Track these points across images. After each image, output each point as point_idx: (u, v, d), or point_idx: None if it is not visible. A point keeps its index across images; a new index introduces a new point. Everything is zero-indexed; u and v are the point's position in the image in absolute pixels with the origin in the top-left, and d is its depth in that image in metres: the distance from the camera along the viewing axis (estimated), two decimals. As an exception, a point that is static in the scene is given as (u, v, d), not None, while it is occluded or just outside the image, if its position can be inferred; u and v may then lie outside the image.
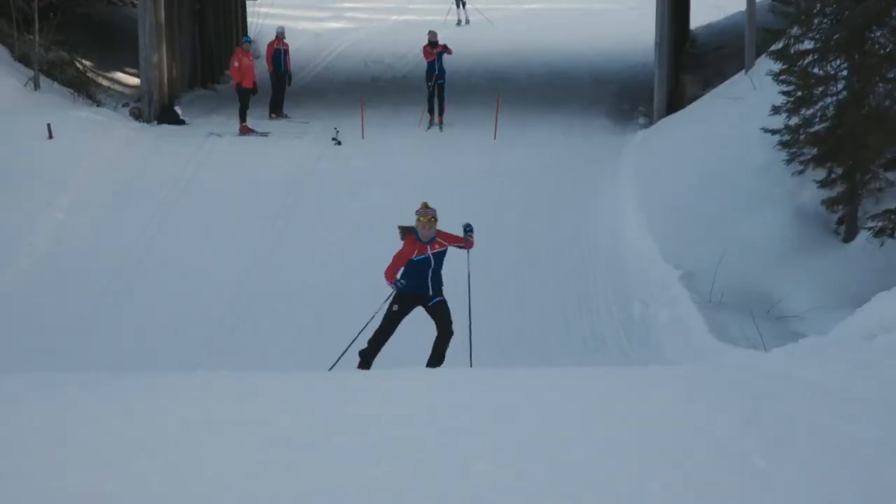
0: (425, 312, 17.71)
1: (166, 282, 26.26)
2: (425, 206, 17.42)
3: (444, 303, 17.50)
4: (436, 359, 17.24)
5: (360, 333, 17.74)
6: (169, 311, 24.16)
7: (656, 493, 6.61)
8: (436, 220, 17.33)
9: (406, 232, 17.73)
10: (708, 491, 6.70)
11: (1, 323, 24.39)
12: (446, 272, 17.78)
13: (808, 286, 25.04)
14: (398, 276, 17.38)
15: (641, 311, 24.22)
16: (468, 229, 18.16)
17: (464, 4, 56.40)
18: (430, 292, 17.40)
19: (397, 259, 17.35)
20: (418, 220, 17.31)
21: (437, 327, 17.38)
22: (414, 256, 17.28)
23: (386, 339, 17.34)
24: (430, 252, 17.28)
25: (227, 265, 25.40)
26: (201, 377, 11.07)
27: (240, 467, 7.17)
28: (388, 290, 17.42)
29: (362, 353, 17.41)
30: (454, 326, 17.67)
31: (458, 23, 54.64)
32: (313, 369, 15.07)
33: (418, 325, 18.02)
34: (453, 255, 17.82)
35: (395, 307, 17.28)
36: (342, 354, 17.98)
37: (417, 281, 17.34)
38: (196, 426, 8.05)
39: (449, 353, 17.44)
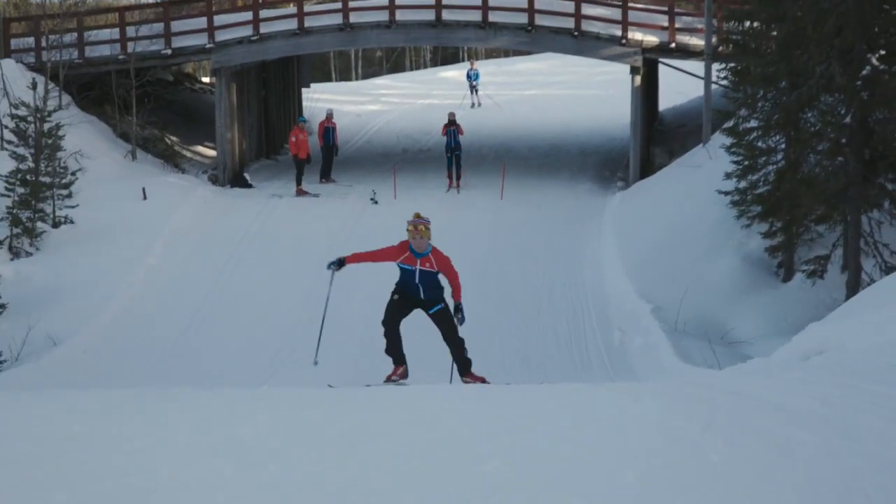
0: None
1: (237, 315, 26.43)
2: (417, 215, 14.25)
3: (444, 311, 14.41)
4: (462, 365, 14.62)
5: (323, 321, 16.45)
6: (239, 340, 24.36)
7: (631, 482, 6.60)
8: (426, 229, 14.13)
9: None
10: (672, 481, 6.67)
11: (108, 347, 24.72)
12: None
13: (754, 317, 25.09)
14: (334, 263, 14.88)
15: (620, 338, 24.32)
16: (459, 316, 14.76)
17: (476, 91, 56.25)
18: (423, 297, 14.34)
19: (381, 251, 14.58)
20: (408, 229, 14.21)
21: (443, 337, 14.60)
22: (400, 262, 14.26)
23: (395, 328, 14.17)
24: (417, 267, 14.11)
25: (285, 301, 25.49)
26: (265, 392, 11.02)
27: (294, 465, 7.14)
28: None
29: (387, 352, 14.57)
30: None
31: (472, 105, 54.83)
32: (355, 386, 14.84)
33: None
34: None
35: (396, 296, 14.31)
36: (318, 343, 16.52)
37: (408, 287, 14.38)
38: (260, 432, 8.05)
39: (439, 365, 15.70)
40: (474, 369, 14.75)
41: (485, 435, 7.98)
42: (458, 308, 14.61)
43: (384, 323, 14.32)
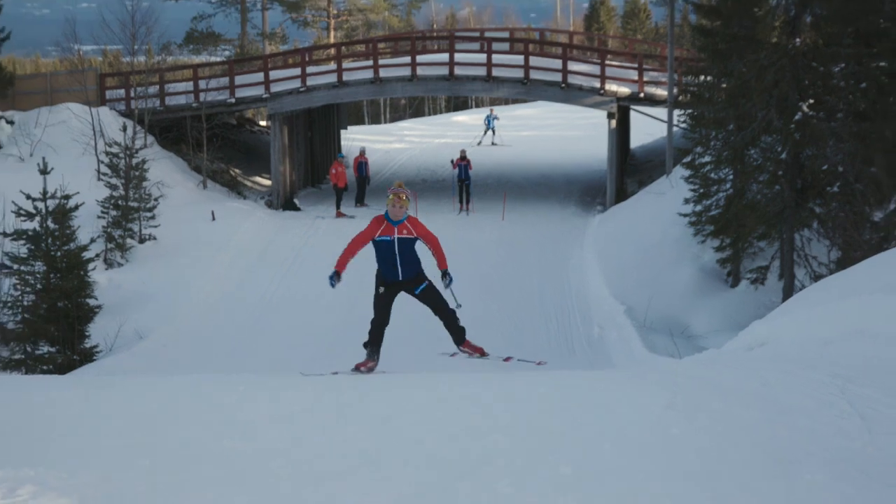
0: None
1: (288, 317, 26.49)
2: (399, 185, 11.92)
3: (430, 287, 11.98)
4: (457, 334, 12.21)
5: None
6: (290, 337, 24.30)
7: (609, 450, 6.58)
8: (407, 200, 11.81)
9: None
10: (642, 450, 6.66)
11: (183, 340, 24.81)
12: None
13: (708, 316, 25.12)
14: (348, 262, 12.23)
15: (598, 333, 24.35)
16: (447, 280, 12.37)
17: (494, 131, 55.71)
18: (401, 277, 11.81)
19: (354, 240, 11.96)
20: (388, 198, 11.80)
21: (435, 313, 12.16)
22: (377, 236, 11.71)
23: (382, 324, 11.94)
24: (395, 235, 11.63)
25: (329, 305, 25.39)
26: (312, 379, 11.00)
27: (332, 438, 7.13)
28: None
29: (366, 345, 12.10)
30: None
31: (479, 143, 54.73)
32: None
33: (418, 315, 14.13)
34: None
35: (381, 290, 11.89)
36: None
37: (387, 266, 11.86)
38: (310, 408, 8.05)
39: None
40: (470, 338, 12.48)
41: (488, 414, 7.98)
42: (445, 273, 12.21)
43: (375, 321, 11.93)
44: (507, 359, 11.63)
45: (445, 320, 12.07)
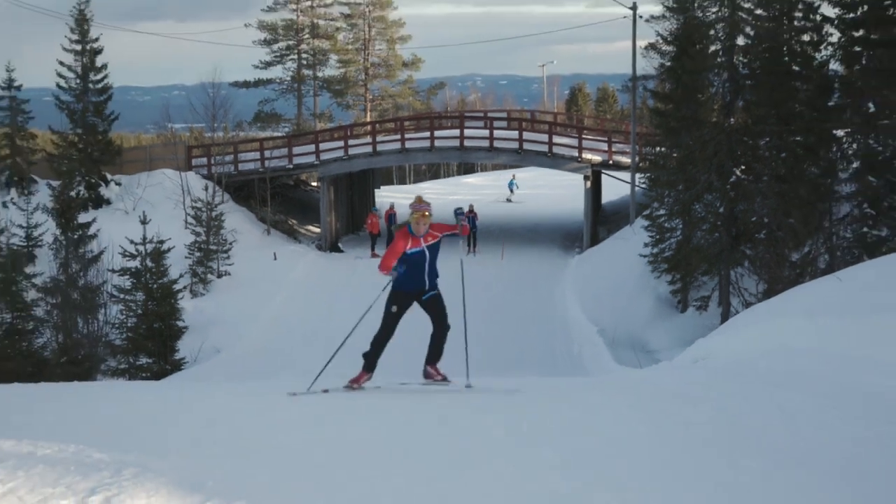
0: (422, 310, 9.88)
1: (337, 335, 26.30)
2: (420, 200, 9.75)
3: (438, 296, 9.69)
4: (435, 354, 9.66)
5: (340, 346, 10.39)
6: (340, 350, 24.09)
7: (587, 442, 6.57)
8: (430, 215, 9.60)
9: (399, 227, 10.08)
10: (614, 441, 6.65)
11: (251, 354, 24.68)
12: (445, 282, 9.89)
13: (663, 335, 25.03)
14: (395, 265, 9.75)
15: (577, 349, 24.24)
16: (458, 212, 10.32)
17: (512, 191, 55.42)
18: (427, 287, 9.61)
19: (390, 253, 9.78)
20: (412, 215, 9.63)
21: (433, 321, 9.67)
22: (408, 249, 9.59)
23: (387, 340, 9.74)
24: (423, 245, 9.58)
25: (371, 326, 25.34)
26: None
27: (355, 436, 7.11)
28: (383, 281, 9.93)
29: (366, 356, 9.81)
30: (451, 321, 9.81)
31: (508, 200, 54.38)
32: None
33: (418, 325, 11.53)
34: (448, 269, 9.85)
35: (394, 308, 9.62)
36: (323, 369, 10.48)
37: (414, 275, 9.59)
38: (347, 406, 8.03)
39: (450, 366, 9.88)
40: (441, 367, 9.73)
41: (491, 413, 7.98)
42: (458, 211, 10.20)
43: (378, 338, 9.65)
44: (468, 386, 9.09)
45: (437, 332, 9.53)
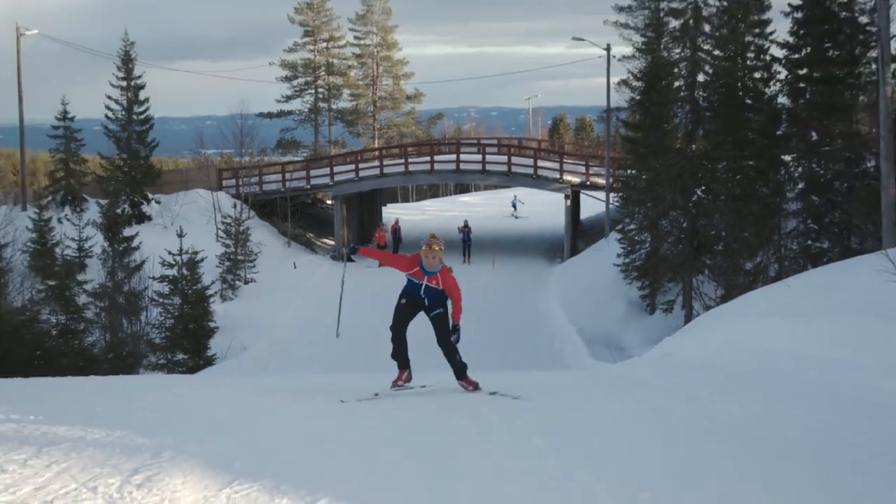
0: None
1: (350, 336, 26.23)
2: (432, 236, 8.72)
3: (443, 315, 8.50)
4: (455, 370, 8.57)
5: (341, 299, 10.72)
6: (350, 348, 23.96)
7: (565, 422, 6.60)
8: (440, 250, 8.50)
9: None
10: (588, 423, 6.67)
11: (273, 352, 24.57)
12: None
13: (633, 335, 25.00)
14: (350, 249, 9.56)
15: (559, 347, 24.17)
16: (455, 336, 8.53)
17: (515, 207, 54.27)
18: (426, 303, 8.48)
19: (387, 254, 9.71)
20: (423, 248, 8.55)
21: (438, 342, 8.56)
22: (409, 274, 8.55)
23: (401, 332, 8.53)
24: (424, 282, 8.45)
25: (381, 326, 25.31)
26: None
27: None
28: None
29: (393, 357, 8.67)
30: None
31: (514, 216, 53.31)
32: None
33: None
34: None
35: (403, 300, 8.59)
36: (338, 318, 11.00)
37: (414, 293, 8.56)
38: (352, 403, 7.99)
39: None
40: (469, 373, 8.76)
41: (490, 402, 7.98)
42: (455, 328, 8.56)
43: (392, 328, 8.61)
44: (492, 393, 8.05)
45: (445, 352, 8.53)
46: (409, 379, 8.56)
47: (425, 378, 8.89)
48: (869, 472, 5.30)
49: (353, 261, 39.49)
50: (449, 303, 8.47)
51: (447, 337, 8.37)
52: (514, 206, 54.95)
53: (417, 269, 8.39)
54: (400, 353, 8.50)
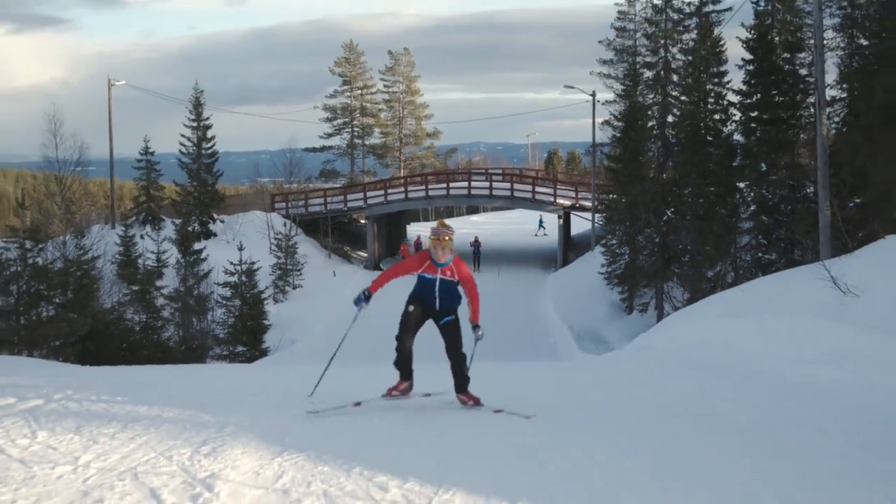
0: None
1: (380, 334, 26.16)
2: (441, 223, 6.62)
3: (453, 323, 6.53)
4: (458, 382, 6.57)
5: (334, 356, 8.37)
6: (379, 344, 23.84)
7: (556, 406, 6.53)
8: (449, 240, 6.47)
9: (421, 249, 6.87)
10: (576, 407, 6.63)
11: (317, 346, 24.38)
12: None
13: (614, 331, 24.83)
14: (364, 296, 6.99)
15: (553, 341, 24.03)
16: (480, 333, 6.63)
17: (541, 226, 50.29)
18: (438, 307, 6.51)
19: (393, 269, 6.96)
20: (431, 239, 6.55)
21: (447, 351, 6.55)
22: (421, 271, 6.58)
23: (408, 342, 6.56)
24: (438, 275, 6.46)
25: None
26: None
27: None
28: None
29: (396, 365, 6.65)
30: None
31: (543, 235, 49.55)
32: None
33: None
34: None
35: (411, 307, 6.65)
36: (322, 374, 7.98)
37: (425, 293, 6.58)
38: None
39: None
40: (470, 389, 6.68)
41: (493, 392, 7.95)
42: (476, 326, 6.65)
43: (398, 337, 6.61)
44: (497, 411, 6.24)
45: (453, 361, 6.53)
46: (407, 391, 6.71)
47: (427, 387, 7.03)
48: (816, 447, 5.26)
49: (382, 269, 39.54)
50: (460, 308, 6.59)
51: (457, 346, 6.52)
52: (540, 225, 51.23)
53: (429, 264, 6.51)
54: (405, 364, 6.60)
